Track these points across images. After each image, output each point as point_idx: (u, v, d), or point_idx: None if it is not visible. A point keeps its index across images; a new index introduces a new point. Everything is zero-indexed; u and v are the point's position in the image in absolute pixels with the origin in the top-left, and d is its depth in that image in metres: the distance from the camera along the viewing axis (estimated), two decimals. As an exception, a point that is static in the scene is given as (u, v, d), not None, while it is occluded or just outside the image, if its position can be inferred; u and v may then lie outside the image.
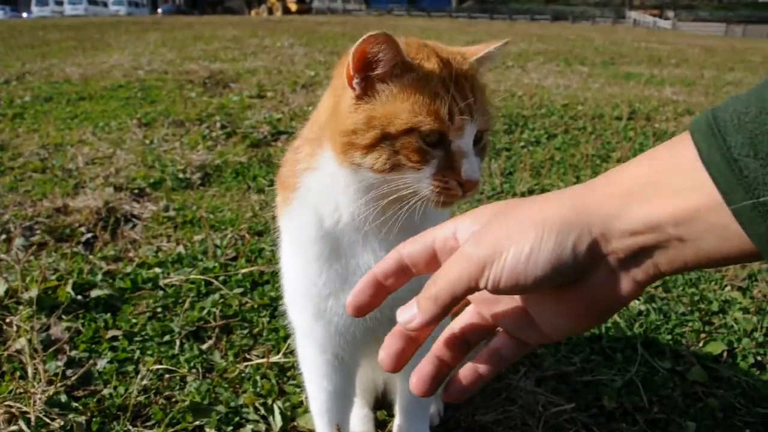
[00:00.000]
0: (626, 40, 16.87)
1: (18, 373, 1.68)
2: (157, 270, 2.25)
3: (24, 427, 1.46)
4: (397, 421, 1.44)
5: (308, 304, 1.14)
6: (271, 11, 46.55)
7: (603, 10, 59.48)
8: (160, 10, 48.76)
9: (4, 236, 2.64)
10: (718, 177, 0.54)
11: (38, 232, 2.68)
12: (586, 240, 0.59)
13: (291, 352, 1.76)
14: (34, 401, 1.54)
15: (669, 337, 1.93)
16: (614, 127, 4.92)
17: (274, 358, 1.72)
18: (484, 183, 3.30)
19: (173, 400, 1.60)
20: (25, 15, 40.25)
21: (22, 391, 1.60)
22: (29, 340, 1.79)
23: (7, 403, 1.55)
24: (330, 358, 1.22)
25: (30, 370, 1.68)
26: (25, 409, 1.52)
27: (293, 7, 48.24)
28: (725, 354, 1.86)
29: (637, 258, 0.59)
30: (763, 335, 1.95)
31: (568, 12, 52.74)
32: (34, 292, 2.03)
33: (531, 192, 3.16)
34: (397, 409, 1.45)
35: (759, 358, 1.85)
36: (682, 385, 1.72)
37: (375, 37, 0.91)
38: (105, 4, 45.18)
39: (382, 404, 1.57)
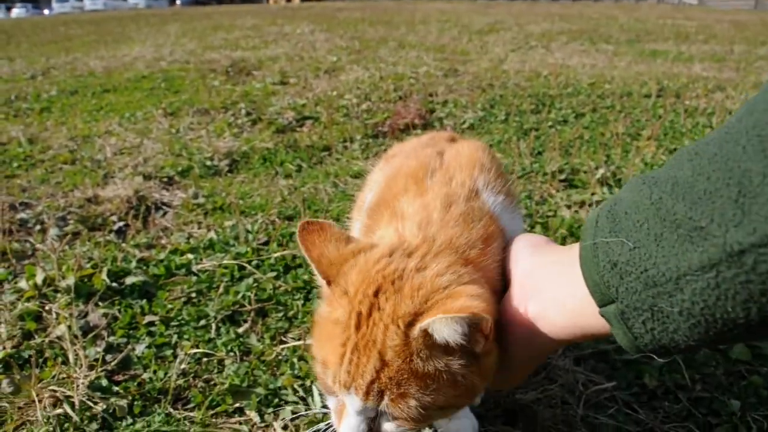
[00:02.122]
0: (651, 17, 16.53)
1: (60, 359, 1.70)
2: (190, 256, 2.26)
3: (69, 410, 1.48)
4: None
5: None
6: (289, -1, 46.46)
7: (625, -12, 58.34)
8: (178, 2, 48.97)
9: (38, 227, 2.68)
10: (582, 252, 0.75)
11: (71, 222, 2.71)
12: None
13: (327, 334, 1.76)
14: (77, 386, 1.56)
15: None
16: (643, 105, 4.83)
17: (311, 340, 1.72)
18: (514, 163, 3.27)
19: (212, 383, 1.61)
20: (46, 12, 40.75)
21: (64, 376, 1.63)
22: (69, 327, 1.81)
23: (51, 387, 1.57)
24: None
25: (71, 356, 1.70)
26: (68, 393, 1.54)
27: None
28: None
29: None
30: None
31: (590, -9, 51.81)
32: (71, 280, 2.06)
33: (561, 171, 3.11)
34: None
35: (804, 333, 1.80)
36: (724, 363, 1.68)
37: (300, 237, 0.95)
38: (125, -2, 45.50)
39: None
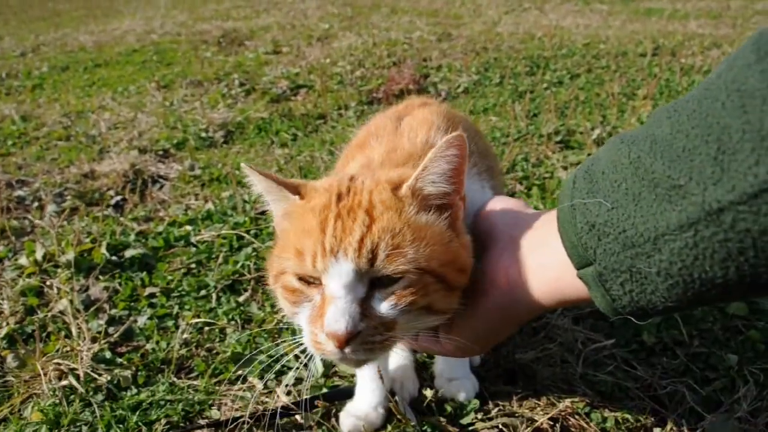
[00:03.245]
0: (647, -25, 16.24)
1: (63, 333, 1.72)
2: (188, 228, 2.26)
3: (74, 382, 1.50)
4: (438, 364, 1.45)
5: None
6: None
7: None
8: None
9: (36, 204, 2.68)
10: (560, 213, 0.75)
11: (68, 198, 2.71)
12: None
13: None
14: (81, 358, 1.58)
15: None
16: (638, 64, 4.78)
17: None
18: (509, 126, 3.25)
19: (214, 351, 1.63)
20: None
21: (68, 349, 1.64)
22: (70, 301, 1.82)
23: (55, 361, 1.58)
24: None
25: (74, 330, 1.71)
26: (73, 365, 1.56)
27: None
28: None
29: None
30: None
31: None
32: (70, 255, 2.06)
33: (557, 133, 3.10)
34: (437, 351, 1.45)
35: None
36: (722, 319, 1.69)
37: (244, 167, 0.91)
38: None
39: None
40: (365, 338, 0.81)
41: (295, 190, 0.92)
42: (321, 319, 0.82)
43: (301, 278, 0.87)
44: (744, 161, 0.53)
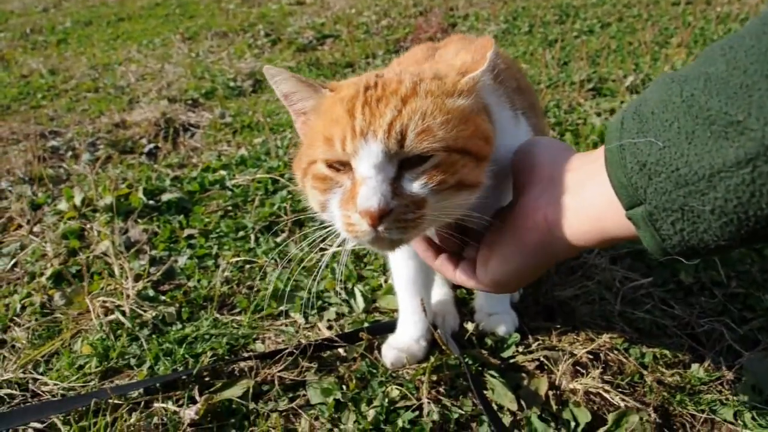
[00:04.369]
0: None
1: (106, 272, 1.76)
2: (223, 172, 2.28)
3: (121, 317, 1.54)
4: (478, 300, 1.47)
5: None
6: None
7: None
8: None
9: (70, 153, 2.71)
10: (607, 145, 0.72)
11: (101, 147, 2.74)
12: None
13: (364, 241, 1.79)
14: (127, 295, 1.62)
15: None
16: (671, 12, 4.65)
17: (350, 246, 1.75)
18: (540, 73, 3.20)
19: (255, 289, 1.66)
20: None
21: (113, 287, 1.68)
22: (112, 242, 1.86)
23: (101, 298, 1.63)
24: None
25: (116, 270, 1.75)
26: (118, 302, 1.60)
27: None
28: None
29: None
30: None
31: None
32: (108, 200, 2.10)
33: (590, 80, 3.04)
34: (477, 287, 1.47)
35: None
36: (760, 261, 1.68)
37: (268, 69, 0.91)
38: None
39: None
40: (398, 215, 0.81)
41: (323, 86, 0.94)
42: (353, 200, 0.82)
43: (330, 165, 0.88)
44: None
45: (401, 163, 0.84)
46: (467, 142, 0.85)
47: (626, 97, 2.84)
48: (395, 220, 0.81)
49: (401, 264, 1.32)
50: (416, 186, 0.83)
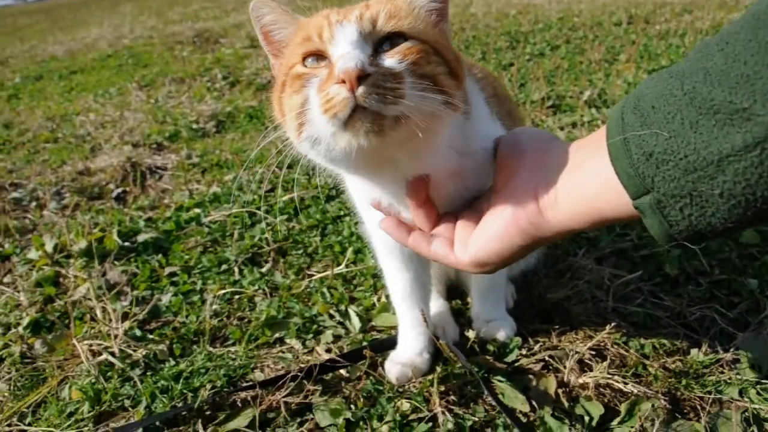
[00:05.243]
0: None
1: (87, 316, 1.70)
2: (197, 210, 2.25)
3: (111, 358, 1.49)
4: (474, 308, 1.47)
5: None
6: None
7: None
8: (125, -15, 47.59)
9: (34, 203, 2.64)
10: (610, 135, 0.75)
11: (67, 195, 2.68)
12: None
13: (353, 263, 1.78)
14: (115, 335, 1.56)
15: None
16: (615, 32, 4.86)
17: (338, 270, 1.74)
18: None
19: (246, 320, 1.63)
20: (-12, 6, 39.20)
21: (96, 331, 1.63)
22: (91, 285, 1.80)
23: (86, 342, 1.57)
24: (408, 251, 1.23)
25: (99, 312, 1.70)
26: (106, 344, 1.55)
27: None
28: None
29: None
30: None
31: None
32: (83, 244, 2.04)
33: (548, 98, 3.13)
34: (473, 296, 1.47)
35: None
36: (737, 249, 1.74)
37: (254, 3, 0.97)
38: (68, -15, 43.95)
39: (453, 294, 1.60)
40: (376, 81, 0.79)
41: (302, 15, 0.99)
42: (331, 76, 0.82)
43: (306, 59, 0.89)
44: None
45: (376, 45, 0.87)
46: (437, 42, 0.90)
47: (585, 111, 2.94)
48: (374, 85, 0.79)
49: (396, 277, 1.32)
50: (392, 61, 0.84)
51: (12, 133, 3.77)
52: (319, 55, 0.88)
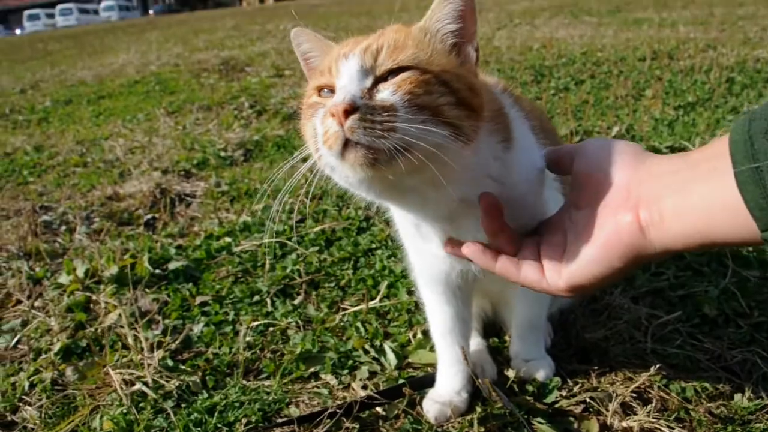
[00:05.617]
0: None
1: (120, 344, 1.70)
2: (228, 239, 2.26)
3: (144, 388, 1.48)
4: (513, 347, 1.45)
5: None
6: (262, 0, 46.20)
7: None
8: (151, 11, 48.64)
9: (64, 227, 2.66)
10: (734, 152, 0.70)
11: (96, 220, 2.71)
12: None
13: (386, 297, 1.77)
14: (148, 365, 1.56)
15: (751, 249, 1.92)
16: (639, 68, 4.87)
17: (372, 304, 1.73)
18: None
19: (279, 353, 1.62)
20: (18, 31, 40.21)
21: (128, 359, 1.62)
22: (123, 312, 1.81)
23: (118, 370, 1.57)
24: (453, 284, 1.23)
25: (130, 340, 1.69)
26: (139, 374, 1.54)
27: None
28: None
29: None
30: None
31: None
32: (114, 270, 2.05)
33: (576, 132, 3.13)
34: (513, 334, 1.46)
35: None
36: (776, 291, 1.71)
37: (295, 30, 1.05)
38: (96, 12, 45.03)
39: (489, 331, 1.59)
40: (364, 114, 0.81)
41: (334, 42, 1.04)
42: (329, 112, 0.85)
43: (320, 92, 0.94)
44: None
45: (379, 77, 0.88)
46: (445, 71, 0.90)
47: (614, 147, 2.93)
48: (361, 119, 0.81)
49: (437, 310, 1.31)
50: (386, 93, 0.85)
51: (42, 156, 3.83)
52: (331, 88, 0.92)
